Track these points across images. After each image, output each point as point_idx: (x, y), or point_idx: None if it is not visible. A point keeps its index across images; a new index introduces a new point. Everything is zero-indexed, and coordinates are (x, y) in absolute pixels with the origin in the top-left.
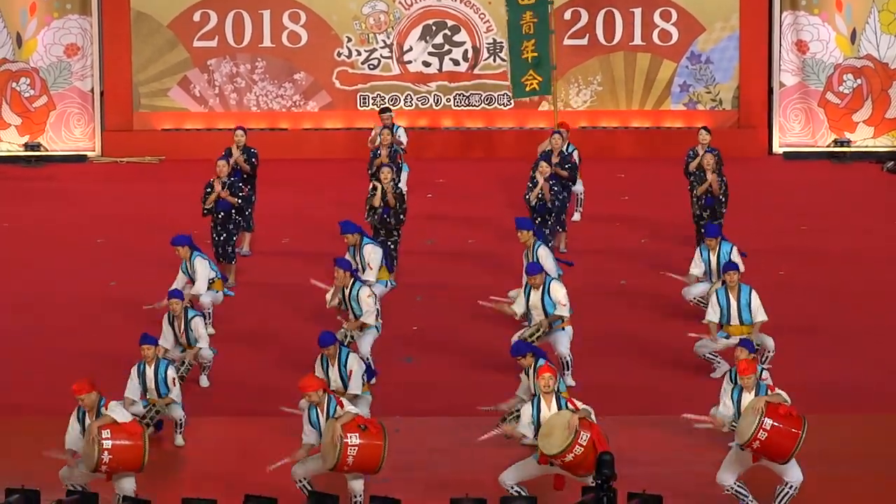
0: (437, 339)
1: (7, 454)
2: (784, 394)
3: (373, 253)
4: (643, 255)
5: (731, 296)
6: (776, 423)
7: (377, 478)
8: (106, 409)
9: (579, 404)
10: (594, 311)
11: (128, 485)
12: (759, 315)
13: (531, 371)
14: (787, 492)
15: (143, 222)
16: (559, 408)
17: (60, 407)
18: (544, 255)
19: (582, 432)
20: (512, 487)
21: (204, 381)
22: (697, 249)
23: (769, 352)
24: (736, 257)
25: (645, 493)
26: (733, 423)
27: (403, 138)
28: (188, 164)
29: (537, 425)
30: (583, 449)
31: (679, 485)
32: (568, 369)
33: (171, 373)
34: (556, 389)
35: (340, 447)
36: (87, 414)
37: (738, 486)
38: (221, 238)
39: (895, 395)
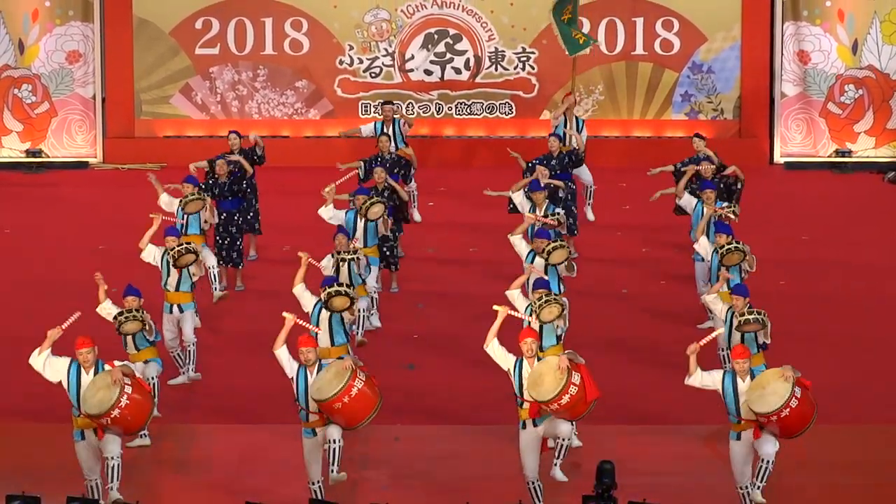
0: (439, 347)
1: (7, 460)
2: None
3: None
4: (644, 263)
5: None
6: (802, 394)
7: (376, 485)
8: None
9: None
10: (595, 319)
11: (114, 448)
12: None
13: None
14: (766, 467)
15: (144, 229)
16: None
17: (62, 413)
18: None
19: (573, 372)
20: (535, 481)
21: (192, 373)
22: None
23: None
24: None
25: (645, 503)
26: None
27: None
28: (189, 172)
29: (521, 386)
30: (577, 388)
31: (680, 494)
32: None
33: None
34: (537, 354)
35: (347, 379)
36: (82, 370)
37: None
38: (225, 242)
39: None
